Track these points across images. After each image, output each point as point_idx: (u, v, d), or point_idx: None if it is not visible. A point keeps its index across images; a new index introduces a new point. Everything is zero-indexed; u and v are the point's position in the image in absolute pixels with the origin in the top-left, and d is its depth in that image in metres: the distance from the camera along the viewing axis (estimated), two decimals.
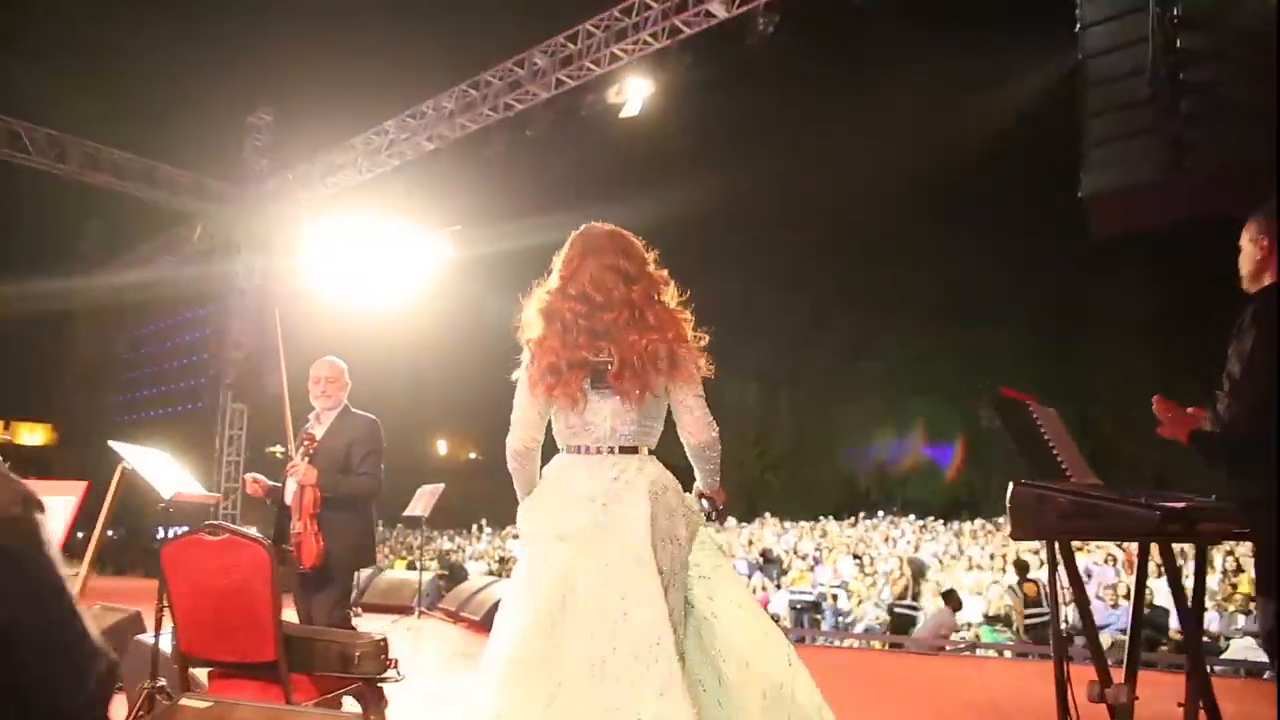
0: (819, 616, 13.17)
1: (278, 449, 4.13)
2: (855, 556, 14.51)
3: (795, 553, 14.70)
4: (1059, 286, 36.41)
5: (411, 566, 17.03)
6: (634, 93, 11.15)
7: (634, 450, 2.42)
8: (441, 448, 50.54)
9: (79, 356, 24.52)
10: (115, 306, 24.82)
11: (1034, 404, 3.11)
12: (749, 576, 14.39)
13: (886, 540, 16.56)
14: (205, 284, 19.18)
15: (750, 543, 16.54)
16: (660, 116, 12.00)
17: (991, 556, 12.81)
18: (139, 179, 16.62)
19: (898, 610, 12.24)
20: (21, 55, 17.58)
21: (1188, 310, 30.77)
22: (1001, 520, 20.70)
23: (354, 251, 15.35)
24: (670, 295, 2.58)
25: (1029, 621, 10.11)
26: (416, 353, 23.84)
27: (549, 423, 2.52)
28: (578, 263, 2.52)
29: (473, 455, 51.14)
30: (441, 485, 8.93)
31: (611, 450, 2.41)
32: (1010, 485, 3.06)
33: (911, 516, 23.78)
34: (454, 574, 12.58)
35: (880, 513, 28.89)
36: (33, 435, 26.56)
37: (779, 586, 13.92)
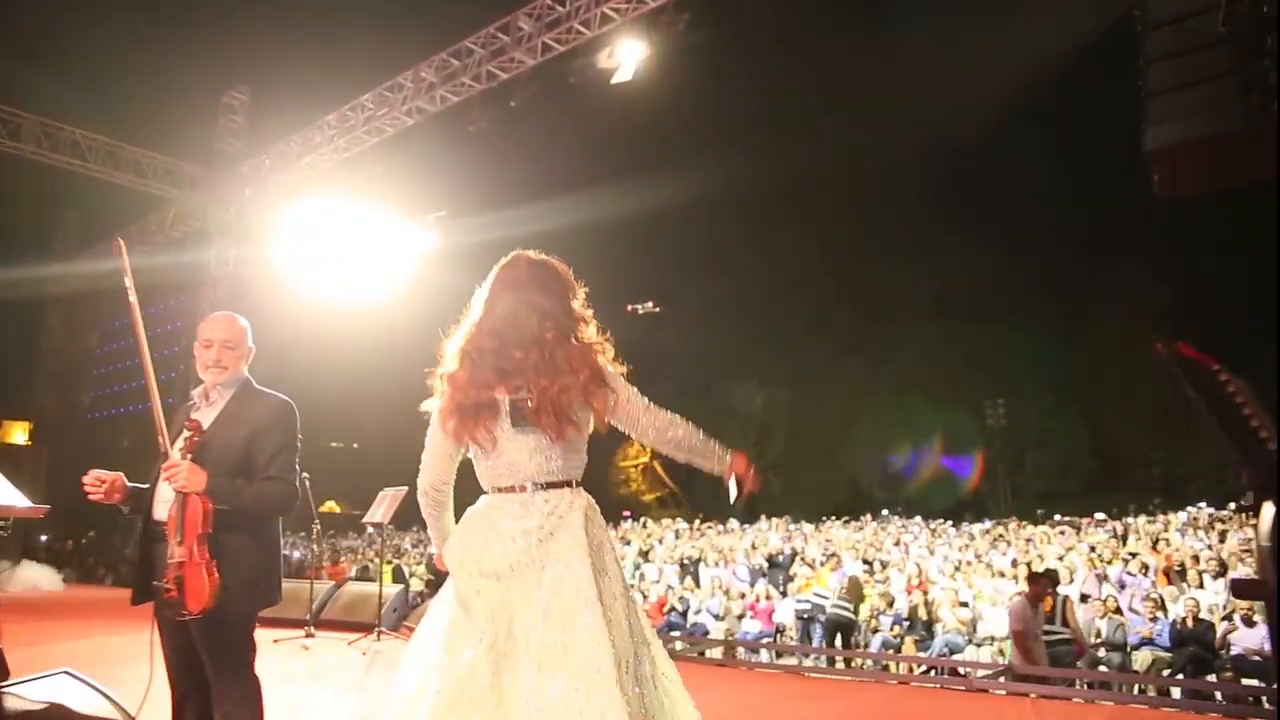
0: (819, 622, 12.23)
1: None
2: (865, 562, 13.55)
3: (802, 558, 13.71)
4: (1066, 277, 35.53)
5: (399, 576, 16.12)
6: (626, 56, 10.18)
7: (564, 485, 2.38)
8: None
9: (53, 350, 23.56)
10: (89, 298, 23.84)
11: (1220, 368, 2.05)
12: (751, 584, 13.47)
13: (898, 544, 15.57)
14: (178, 273, 18.21)
15: (754, 546, 15.55)
16: (655, 83, 11.06)
17: (1014, 563, 11.86)
18: (102, 160, 15.65)
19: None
20: None
21: (1201, 302, 30.09)
22: (1012, 522, 19.84)
23: (333, 239, 14.47)
24: (589, 334, 2.49)
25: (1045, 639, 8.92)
26: (401, 348, 22.85)
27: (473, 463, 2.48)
28: (495, 297, 2.46)
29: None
30: (405, 488, 7.93)
31: (540, 487, 2.35)
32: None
33: (918, 518, 22.74)
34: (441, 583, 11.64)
35: (884, 512, 28.01)
36: (20, 434, 25.64)
37: (784, 594, 12.99)
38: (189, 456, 2.88)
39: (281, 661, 6.47)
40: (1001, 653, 10.44)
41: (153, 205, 18.32)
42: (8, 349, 24.55)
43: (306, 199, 14.54)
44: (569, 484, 2.39)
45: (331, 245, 14.39)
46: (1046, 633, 8.72)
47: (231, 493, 2.88)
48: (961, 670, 7.93)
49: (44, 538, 20.56)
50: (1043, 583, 8.71)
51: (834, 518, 22.61)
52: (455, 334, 2.48)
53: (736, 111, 34.46)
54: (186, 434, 2.94)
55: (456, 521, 2.49)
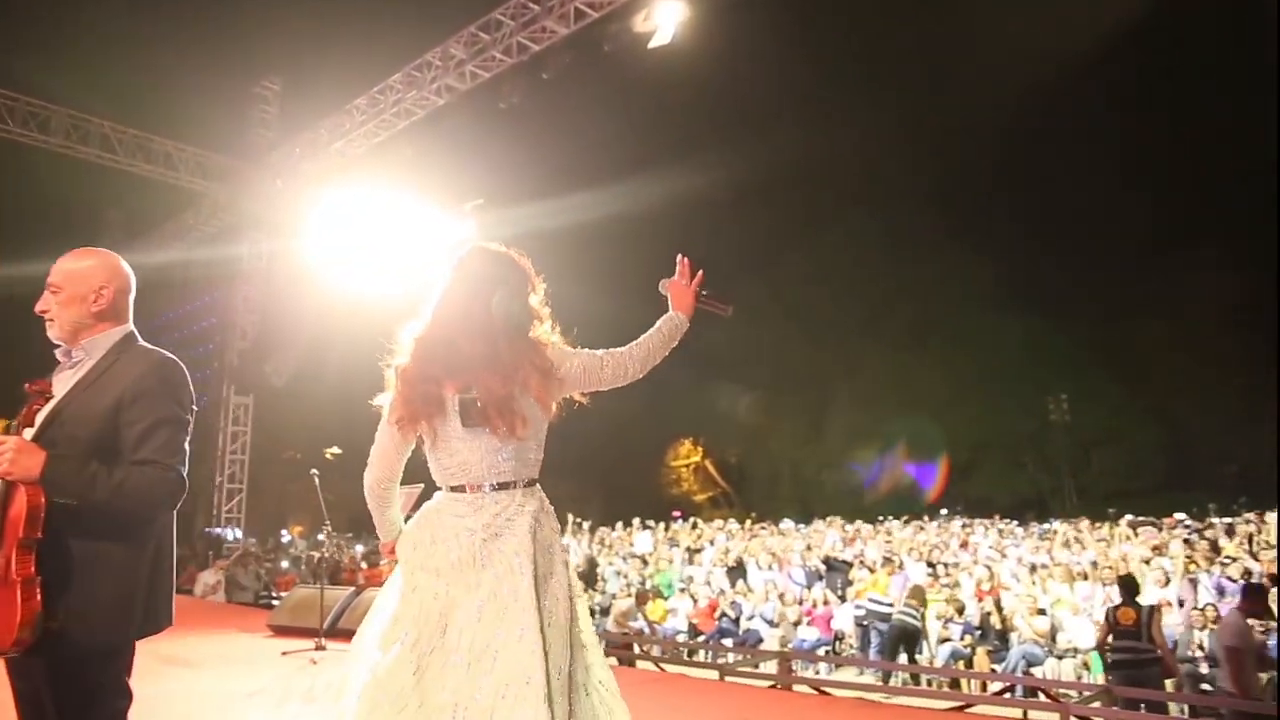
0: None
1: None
2: (929, 565, 12.59)
3: (861, 560, 12.79)
4: (1132, 265, 33.85)
5: None
6: (664, 18, 9.38)
7: (513, 485, 2.28)
8: None
9: None
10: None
11: None
12: (808, 588, 12.61)
13: (965, 546, 14.55)
14: (212, 269, 17.85)
15: (809, 548, 14.66)
16: (695, 51, 10.32)
17: (1095, 565, 10.80)
18: (132, 153, 15.28)
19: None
20: (12, 23, 16.31)
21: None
22: (1082, 522, 18.66)
23: (368, 231, 13.94)
24: (544, 331, 2.39)
25: (1118, 657, 7.79)
26: None
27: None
28: (449, 290, 2.38)
29: None
30: (420, 486, 7.21)
31: (491, 488, 2.25)
32: None
33: (981, 519, 21.59)
34: None
35: (943, 512, 26.93)
36: None
37: (843, 599, 12.11)
38: (23, 431, 2.10)
39: (283, 680, 5.80)
40: (1086, 666, 9.48)
41: (189, 201, 18.01)
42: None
43: (338, 187, 14.03)
44: (521, 484, 2.29)
45: (366, 237, 13.88)
46: (1123, 649, 7.67)
47: (81, 482, 2.06)
48: (1048, 690, 6.98)
49: None
50: (1260, 596, 7.50)
51: (891, 518, 21.58)
52: (411, 325, 2.38)
53: (782, 85, 33.14)
54: (31, 403, 2.16)
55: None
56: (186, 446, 2.28)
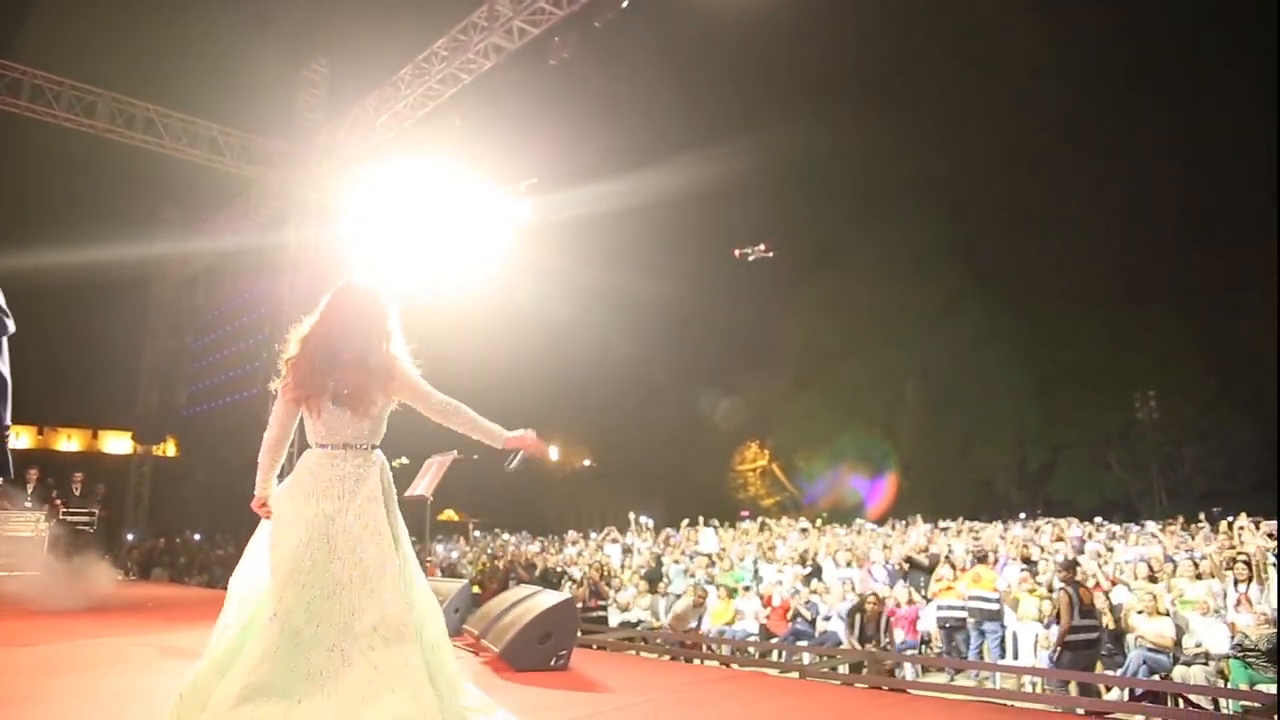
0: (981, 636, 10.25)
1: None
2: (1026, 561, 11.39)
3: (948, 559, 11.63)
4: (1226, 253, 31.74)
5: (494, 574, 14.79)
6: None
7: (366, 448, 3.20)
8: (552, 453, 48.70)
9: (154, 350, 23.29)
10: (188, 289, 23.52)
11: None
12: (890, 586, 11.53)
13: (1061, 540, 13.25)
14: (262, 257, 17.41)
15: (886, 547, 13.55)
16: (762, 6, 9.31)
17: (1236, 561, 9.49)
18: (178, 137, 14.86)
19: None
20: (58, 8, 16.08)
21: None
22: (1175, 525, 17.17)
23: (417, 214, 13.30)
24: (392, 346, 3.25)
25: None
26: (500, 336, 21.58)
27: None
28: (332, 312, 3.25)
29: (586, 462, 49.13)
30: (453, 453, 6.42)
31: (349, 448, 3.16)
32: None
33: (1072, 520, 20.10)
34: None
35: (1022, 515, 25.43)
36: (123, 442, 25.54)
37: (928, 599, 11.02)
38: None
39: None
40: (1223, 675, 8.26)
41: (241, 189, 17.63)
42: (113, 354, 24.47)
43: (386, 165, 13.41)
44: (369, 447, 3.23)
45: (416, 221, 13.25)
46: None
47: None
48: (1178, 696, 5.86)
49: (129, 536, 20.09)
50: None
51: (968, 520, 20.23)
52: (298, 329, 3.25)
53: (856, 58, 31.60)
54: None
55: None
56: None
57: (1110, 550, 12.08)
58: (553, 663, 5.30)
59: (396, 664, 2.86)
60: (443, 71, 12.10)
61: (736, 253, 30.92)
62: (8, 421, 3.93)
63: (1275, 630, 7.86)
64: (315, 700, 2.80)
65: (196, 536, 22.79)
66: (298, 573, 2.93)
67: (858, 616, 10.30)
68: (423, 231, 13.47)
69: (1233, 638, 8.30)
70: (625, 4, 9.45)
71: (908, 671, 9.98)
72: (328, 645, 2.88)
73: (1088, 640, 8.76)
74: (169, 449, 28.34)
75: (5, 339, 3.86)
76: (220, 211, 18.42)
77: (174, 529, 21.65)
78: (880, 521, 21.76)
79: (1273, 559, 9.28)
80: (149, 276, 23.31)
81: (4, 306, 3.79)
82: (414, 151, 13.06)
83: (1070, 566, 9.54)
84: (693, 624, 10.97)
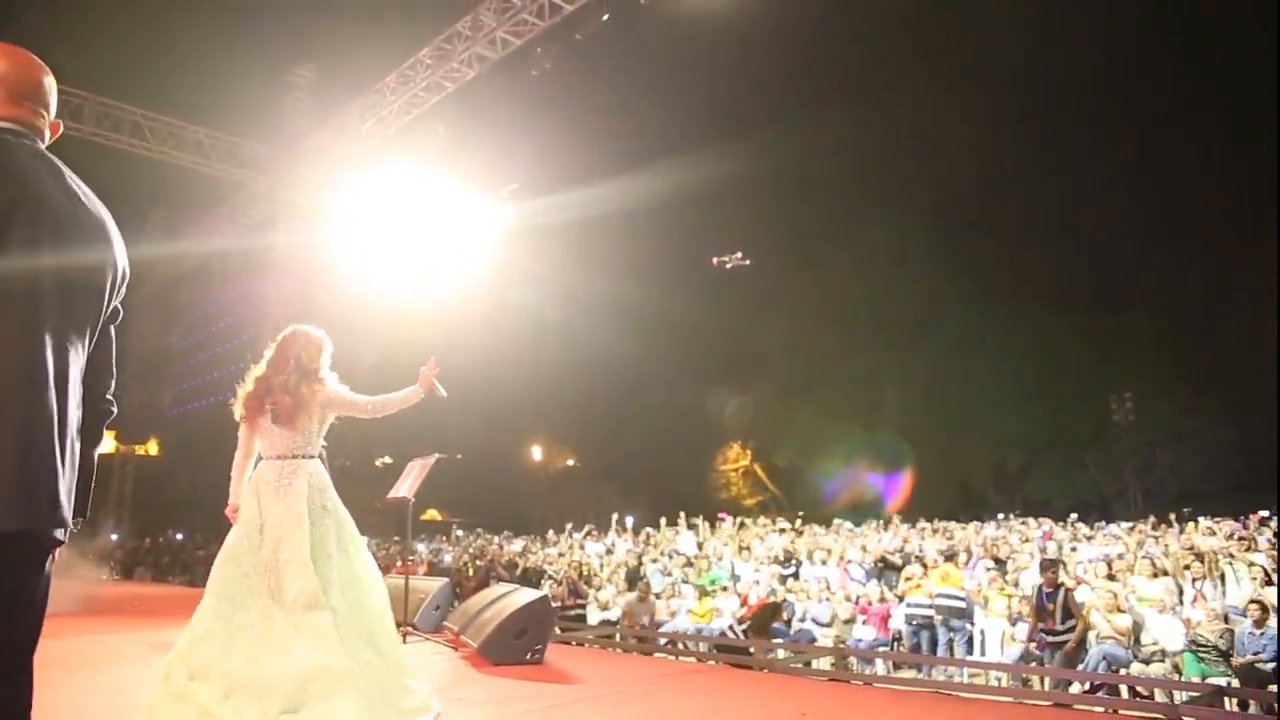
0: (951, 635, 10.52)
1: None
2: (996, 560, 11.70)
3: (920, 557, 11.92)
4: (1202, 258, 32.24)
5: (476, 573, 14.95)
6: None
7: (298, 457, 3.98)
8: (535, 453, 48.81)
9: (140, 352, 23.34)
10: (174, 290, 23.56)
11: None
12: (863, 584, 11.81)
13: (1027, 541, 13.58)
14: (249, 259, 17.54)
15: (864, 549, 13.84)
16: (739, 17, 9.57)
17: (1193, 560, 9.80)
18: (164, 140, 15.00)
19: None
20: (43, 10, 16.15)
21: None
22: (1147, 525, 17.53)
23: (402, 219, 13.47)
24: (320, 375, 4.09)
25: None
26: (484, 338, 21.72)
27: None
28: (278, 347, 4.10)
29: (570, 463, 49.25)
30: (435, 456, 6.66)
31: (285, 457, 3.97)
32: None
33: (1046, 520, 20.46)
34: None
35: (1000, 516, 25.74)
36: (106, 442, 25.48)
37: (900, 598, 11.29)
38: None
39: None
40: (1177, 670, 8.57)
41: (228, 192, 17.74)
42: None
43: (371, 171, 13.58)
44: (302, 456, 3.99)
45: (400, 225, 13.42)
46: None
47: None
48: (1133, 689, 6.15)
49: (113, 536, 20.17)
50: None
51: (948, 520, 20.56)
52: (255, 368, 4.09)
53: (829, 67, 31.90)
54: None
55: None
56: None
57: (1074, 550, 12.38)
58: (528, 657, 5.54)
59: (311, 624, 3.55)
60: (427, 79, 12.31)
61: (714, 261, 31.30)
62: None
63: (1224, 625, 8.17)
64: (245, 647, 3.51)
65: (179, 536, 22.88)
66: (235, 553, 3.75)
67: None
68: (407, 236, 13.65)
69: (1186, 633, 8.62)
70: (606, 17, 9.69)
71: (879, 668, 10.26)
72: (258, 609, 3.61)
73: (1061, 642, 8.89)
74: (152, 449, 28.39)
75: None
76: (207, 214, 18.54)
77: (157, 529, 21.70)
78: (859, 522, 22.05)
79: (1225, 559, 9.60)
80: (134, 277, 23.27)
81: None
82: (399, 157, 13.23)
83: (1054, 567, 9.69)
84: (644, 619, 11.19)
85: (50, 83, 2.02)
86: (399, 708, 3.74)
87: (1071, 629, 8.62)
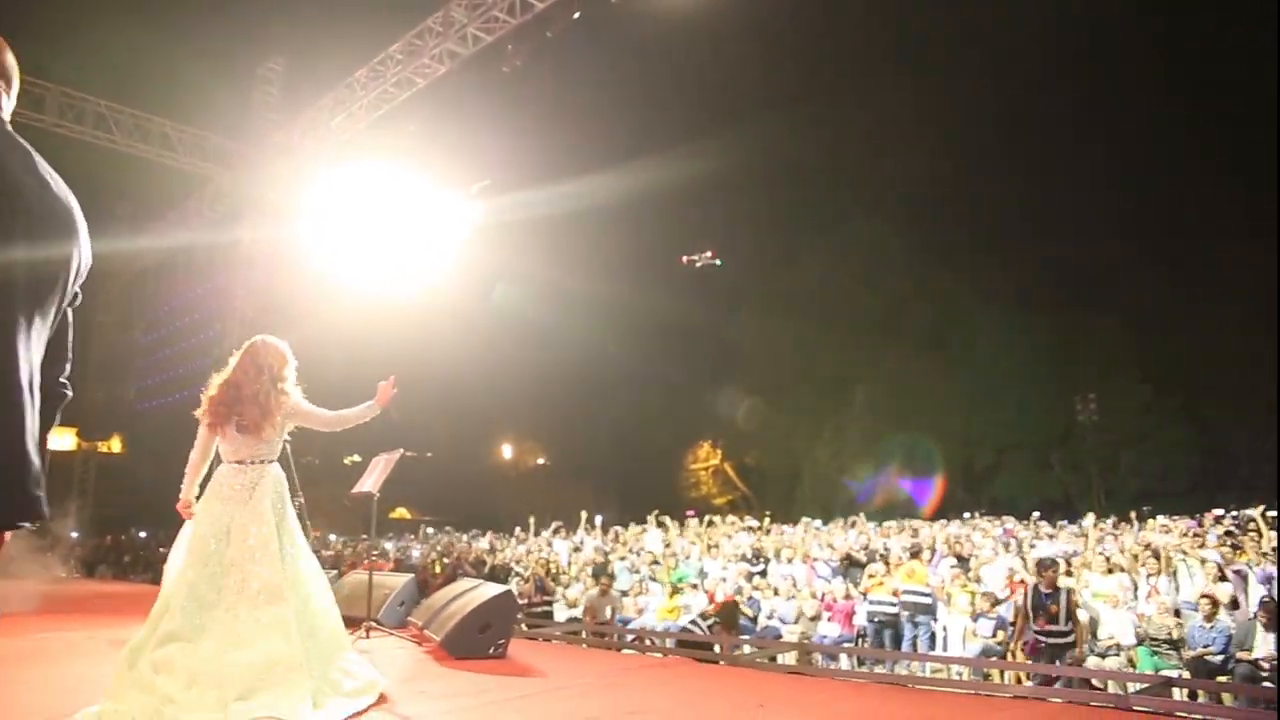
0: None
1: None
2: (959, 558, 11.87)
3: (885, 556, 12.05)
4: (1163, 260, 32.76)
5: (443, 570, 14.90)
6: None
7: (261, 462, 4.20)
8: (506, 451, 48.70)
9: (102, 346, 23.00)
10: (138, 284, 23.20)
11: None
12: (829, 581, 11.92)
13: (986, 536, 13.77)
14: (215, 253, 17.37)
15: (831, 546, 13.95)
16: (707, 17, 9.63)
17: (1147, 556, 10.02)
18: (129, 133, 14.82)
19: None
20: None
21: None
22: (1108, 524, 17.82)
23: (371, 215, 13.39)
24: (285, 386, 4.28)
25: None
26: (453, 335, 21.67)
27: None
28: (244, 357, 4.29)
29: (540, 461, 49.17)
30: (400, 451, 6.64)
31: (249, 463, 4.17)
32: None
33: (1010, 518, 20.75)
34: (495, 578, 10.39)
35: (966, 515, 26.04)
36: (67, 438, 25.23)
37: (865, 595, 11.39)
38: None
39: None
40: (1131, 664, 8.74)
41: (194, 186, 17.54)
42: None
43: (340, 167, 13.50)
44: (265, 462, 4.21)
45: (370, 222, 13.33)
46: None
47: None
48: (1096, 683, 6.29)
49: (74, 534, 19.89)
50: None
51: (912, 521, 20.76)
52: (219, 374, 4.28)
53: (800, 68, 32.10)
54: None
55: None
56: None
57: (1034, 547, 12.58)
58: (491, 651, 5.56)
59: (273, 617, 3.79)
60: (398, 75, 12.27)
61: (684, 259, 31.43)
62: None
63: (1176, 620, 8.34)
64: (209, 642, 3.69)
65: (142, 534, 22.60)
66: (202, 554, 3.92)
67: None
68: (376, 232, 13.57)
69: (1138, 626, 8.79)
70: (577, 15, 9.72)
71: (843, 663, 10.35)
72: (225, 606, 3.81)
73: (1062, 645, 8.76)
74: (115, 445, 28.01)
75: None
76: (173, 208, 18.33)
77: (119, 526, 21.43)
78: (827, 520, 22.19)
79: (1180, 555, 9.81)
80: (97, 270, 22.96)
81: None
82: (369, 153, 13.17)
83: (1053, 567, 9.59)
84: (606, 612, 11.23)
85: (11, 60, 2.01)
86: (341, 689, 3.98)
87: (1072, 630, 8.50)
